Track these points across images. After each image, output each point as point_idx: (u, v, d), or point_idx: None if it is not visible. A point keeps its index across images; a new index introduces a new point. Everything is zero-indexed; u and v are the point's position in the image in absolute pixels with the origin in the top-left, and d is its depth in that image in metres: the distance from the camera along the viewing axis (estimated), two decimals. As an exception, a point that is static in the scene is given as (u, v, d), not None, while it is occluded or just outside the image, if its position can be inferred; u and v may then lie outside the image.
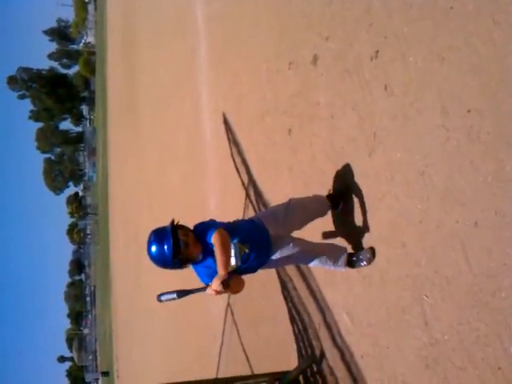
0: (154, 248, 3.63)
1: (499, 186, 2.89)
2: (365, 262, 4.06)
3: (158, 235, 3.64)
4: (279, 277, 5.92)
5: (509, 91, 2.83)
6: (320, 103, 4.96)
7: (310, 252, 4.07)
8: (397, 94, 3.80)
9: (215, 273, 3.51)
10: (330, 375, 4.63)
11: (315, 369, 4.90)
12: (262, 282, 6.45)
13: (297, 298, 5.43)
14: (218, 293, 3.48)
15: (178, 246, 3.55)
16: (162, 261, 3.64)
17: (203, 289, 3.60)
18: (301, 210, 4.26)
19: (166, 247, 3.55)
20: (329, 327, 4.67)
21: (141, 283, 19.64)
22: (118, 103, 34.46)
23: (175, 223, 3.69)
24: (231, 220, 4.21)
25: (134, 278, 22.52)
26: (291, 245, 4.00)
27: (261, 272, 6.32)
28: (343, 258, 4.11)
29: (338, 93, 4.65)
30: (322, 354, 4.77)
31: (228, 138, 8.07)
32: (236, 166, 7.58)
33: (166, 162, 14.71)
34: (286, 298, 5.74)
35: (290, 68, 5.70)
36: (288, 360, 5.37)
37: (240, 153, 7.44)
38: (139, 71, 22.01)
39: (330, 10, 4.86)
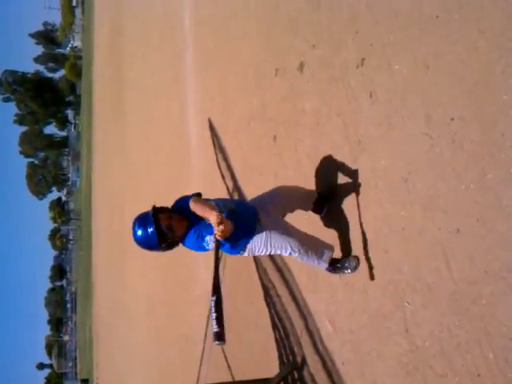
0: (139, 232, 3.61)
1: (481, 193, 2.92)
2: (349, 270, 4.05)
3: (141, 222, 3.63)
4: (262, 283, 5.90)
5: (492, 99, 2.86)
6: (305, 110, 4.98)
7: (297, 237, 3.93)
8: (382, 102, 3.82)
9: (205, 231, 3.59)
10: (311, 382, 4.61)
11: (296, 375, 4.89)
12: (245, 288, 6.44)
13: (279, 305, 5.42)
14: (221, 231, 3.34)
15: (163, 232, 3.56)
16: (149, 245, 3.66)
17: (216, 256, 3.51)
18: (285, 197, 4.25)
19: (150, 232, 3.55)
20: (311, 334, 4.66)
21: (124, 289, 19.51)
22: (103, 108, 34.29)
23: (155, 207, 3.68)
24: None
25: (116, 284, 22.38)
26: (280, 222, 4.00)
27: (243, 278, 6.33)
28: (328, 255, 4.03)
29: (323, 99, 4.67)
30: (304, 361, 4.76)
31: (213, 143, 8.06)
32: (221, 171, 7.57)
33: (151, 166, 14.66)
34: (268, 305, 5.72)
35: (276, 74, 5.72)
36: (269, 367, 5.35)
37: (225, 158, 7.44)
38: (126, 76, 21.94)
39: (316, 17, 4.89)
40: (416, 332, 3.37)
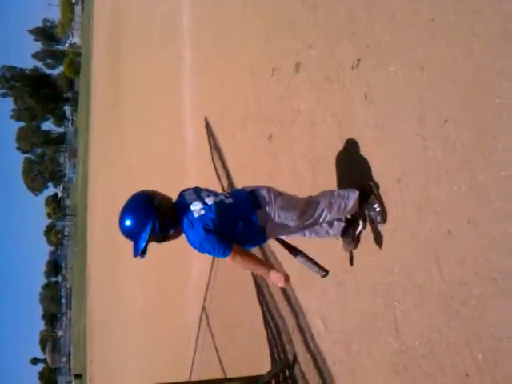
0: (128, 222, 3.21)
1: (473, 195, 2.93)
2: (379, 217, 3.65)
3: (135, 210, 3.24)
4: (255, 281, 5.92)
5: (486, 102, 2.87)
6: (301, 110, 4.99)
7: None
8: (376, 103, 3.83)
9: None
10: (302, 380, 4.63)
11: (288, 373, 4.90)
12: (238, 287, 6.45)
13: (272, 303, 5.44)
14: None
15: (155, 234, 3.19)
16: (135, 238, 3.24)
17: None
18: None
19: (143, 231, 3.16)
20: (302, 332, 4.68)
21: (118, 286, 19.49)
22: (101, 105, 34.25)
23: (157, 203, 3.25)
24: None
25: (111, 281, 22.35)
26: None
27: (237, 276, 6.35)
28: (353, 196, 3.63)
29: (318, 100, 4.68)
30: (295, 359, 4.78)
31: (209, 142, 8.07)
32: (216, 169, 7.58)
33: (148, 165, 14.66)
34: (261, 303, 5.74)
35: (273, 74, 5.73)
36: (261, 364, 5.37)
37: (221, 157, 7.45)
38: (124, 74, 21.92)
39: (313, 18, 4.90)
40: (406, 332, 3.39)
